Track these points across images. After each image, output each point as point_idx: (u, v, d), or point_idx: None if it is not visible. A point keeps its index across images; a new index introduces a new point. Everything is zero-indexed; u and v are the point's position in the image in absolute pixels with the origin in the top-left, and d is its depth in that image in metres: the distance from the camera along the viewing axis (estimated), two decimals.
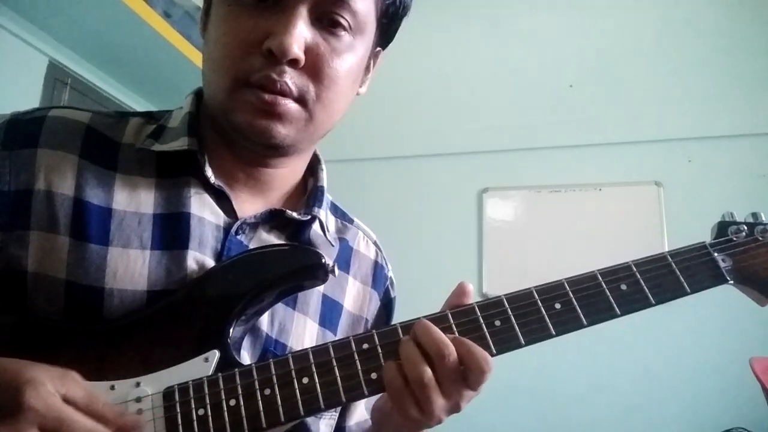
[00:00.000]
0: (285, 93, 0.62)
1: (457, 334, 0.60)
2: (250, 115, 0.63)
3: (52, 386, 0.50)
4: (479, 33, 2.86)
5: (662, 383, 2.21)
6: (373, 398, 0.79)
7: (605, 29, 2.67)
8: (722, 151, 2.36)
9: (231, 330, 0.61)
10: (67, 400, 0.51)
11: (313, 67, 0.63)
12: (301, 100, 0.64)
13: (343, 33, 0.65)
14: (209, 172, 0.68)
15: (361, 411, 0.82)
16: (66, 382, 0.51)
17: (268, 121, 0.63)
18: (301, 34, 0.61)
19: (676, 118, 2.46)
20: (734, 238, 0.67)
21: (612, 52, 2.62)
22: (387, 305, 0.84)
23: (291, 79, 0.62)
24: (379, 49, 0.75)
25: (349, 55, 0.66)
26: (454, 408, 0.59)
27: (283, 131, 0.64)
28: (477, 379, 0.57)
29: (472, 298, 0.63)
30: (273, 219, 0.71)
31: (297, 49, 0.60)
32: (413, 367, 0.56)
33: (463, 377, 0.58)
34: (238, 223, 0.68)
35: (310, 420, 0.68)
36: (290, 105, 0.63)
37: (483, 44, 2.84)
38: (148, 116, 0.74)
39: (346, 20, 0.64)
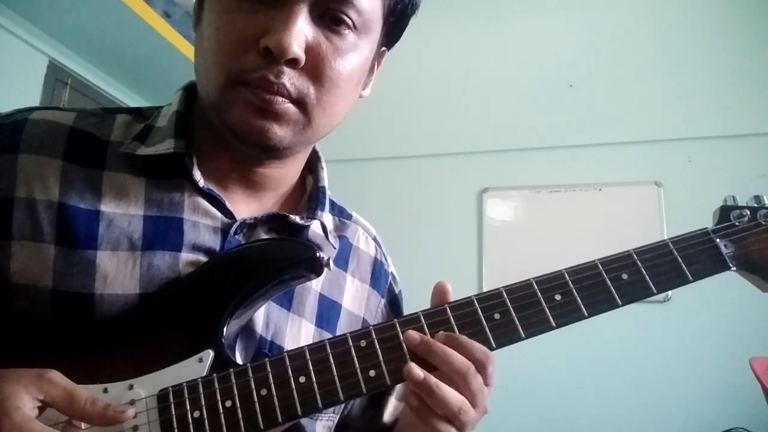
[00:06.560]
0: (283, 95, 0.59)
1: (456, 330, 0.59)
2: (245, 113, 0.59)
3: (29, 399, 0.49)
4: (479, 33, 2.86)
5: (662, 383, 2.20)
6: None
7: (605, 29, 2.67)
8: (722, 151, 2.36)
9: (225, 329, 0.59)
10: (47, 404, 0.50)
11: (314, 68, 0.59)
12: (299, 102, 0.60)
13: (347, 32, 0.61)
14: (197, 175, 0.65)
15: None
16: (42, 385, 0.50)
17: (264, 120, 0.59)
18: (301, 32, 0.57)
19: (676, 118, 2.46)
20: (737, 223, 0.65)
21: (612, 52, 2.62)
22: (393, 302, 0.82)
23: (290, 80, 0.58)
24: (384, 49, 0.71)
25: (352, 56, 0.62)
26: (484, 412, 0.59)
27: (279, 132, 0.60)
28: (483, 374, 0.58)
29: (452, 295, 0.62)
30: (273, 220, 0.69)
31: (296, 48, 0.56)
32: (443, 398, 0.56)
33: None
34: (237, 223, 0.66)
35: (305, 421, 0.67)
36: (288, 106, 0.59)
37: (483, 44, 2.84)
38: (136, 113, 0.71)
39: (351, 18, 0.60)
